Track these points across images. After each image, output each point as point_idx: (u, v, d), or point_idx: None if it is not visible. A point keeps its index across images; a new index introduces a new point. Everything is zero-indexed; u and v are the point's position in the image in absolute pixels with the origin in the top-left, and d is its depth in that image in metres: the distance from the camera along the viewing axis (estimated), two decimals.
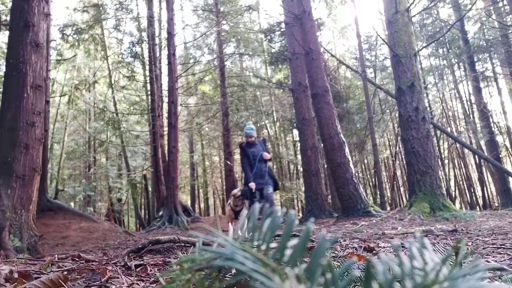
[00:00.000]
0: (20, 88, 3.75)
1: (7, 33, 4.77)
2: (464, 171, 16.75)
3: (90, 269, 1.20)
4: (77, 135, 19.12)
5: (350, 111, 16.22)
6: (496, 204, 14.33)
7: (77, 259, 1.79)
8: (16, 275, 1.08)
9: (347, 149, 7.81)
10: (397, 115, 10.91)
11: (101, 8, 13.01)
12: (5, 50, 4.62)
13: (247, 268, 0.32)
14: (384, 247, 1.71)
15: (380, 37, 8.69)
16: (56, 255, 2.06)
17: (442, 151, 16.32)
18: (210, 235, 0.40)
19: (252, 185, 5.45)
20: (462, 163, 16.77)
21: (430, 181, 5.88)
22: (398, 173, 18.08)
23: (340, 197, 7.58)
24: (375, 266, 0.32)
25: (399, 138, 14.06)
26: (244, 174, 5.77)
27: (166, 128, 11.67)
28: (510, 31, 11.83)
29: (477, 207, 14.88)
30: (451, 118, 17.37)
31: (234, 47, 16.81)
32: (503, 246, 1.57)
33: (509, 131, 15.73)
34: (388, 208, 12.23)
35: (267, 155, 5.65)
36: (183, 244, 2.17)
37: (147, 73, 13.93)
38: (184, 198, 21.88)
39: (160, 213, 10.06)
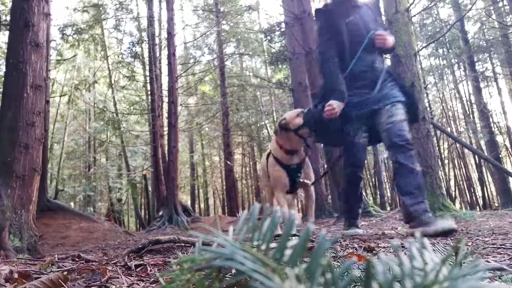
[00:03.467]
0: (20, 88, 3.75)
1: (7, 33, 4.77)
2: (464, 171, 16.74)
3: (90, 269, 1.20)
4: (77, 135, 19.11)
5: None
6: (496, 204, 14.33)
7: (77, 259, 1.79)
8: (16, 275, 1.08)
9: None
10: None
11: (101, 8, 13.02)
12: (5, 50, 4.62)
13: (247, 268, 0.32)
14: (384, 247, 1.71)
15: None
16: (56, 255, 2.07)
17: (442, 151, 16.32)
18: (210, 235, 0.40)
19: (334, 104, 2.40)
20: (462, 163, 16.76)
21: (430, 181, 5.87)
22: None
23: (340, 197, 7.58)
24: (375, 266, 0.32)
25: None
26: (323, 74, 2.60)
27: (166, 128, 11.67)
28: (510, 31, 11.82)
29: (477, 207, 14.87)
30: (451, 118, 17.36)
31: (234, 47, 16.82)
32: (503, 246, 1.57)
33: (509, 131, 15.72)
34: (388, 208, 12.22)
35: (386, 39, 2.49)
36: (183, 244, 2.17)
37: (147, 73, 13.92)
38: (184, 198, 21.88)
39: (160, 213, 10.06)
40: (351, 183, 2.75)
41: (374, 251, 1.58)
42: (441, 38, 13.91)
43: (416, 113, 2.68)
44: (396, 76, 2.69)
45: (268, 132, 19.25)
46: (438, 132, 14.62)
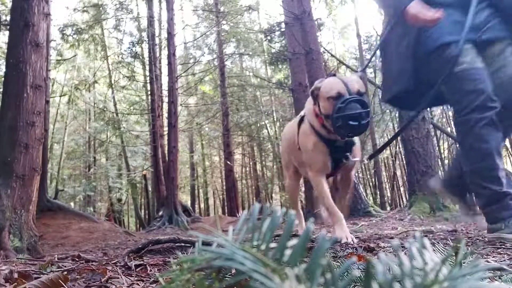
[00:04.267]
0: (20, 88, 3.75)
1: (7, 33, 4.77)
2: None
3: (90, 269, 1.20)
4: (77, 135, 19.12)
5: None
6: None
7: (77, 259, 1.79)
8: (16, 275, 1.08)
9: None
10: (397, 115, 10.91)
11: (101, 8, 13.02)
12: (5, 50, 4.62)
13: (247, 268, 0.32)
14: (384, 247, 1.71)
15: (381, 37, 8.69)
16: (56, 255, 2.07)
17: (442, 151, 16.32)
18: (210, 235, 0.40)
19: (413, 9, 1.65)
20: None
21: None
22: (398, 173, 18.07)
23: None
24: (375, 266, 0.32)
25: (399, 138, 14.06)
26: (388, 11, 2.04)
27: (166, 128, 11.67)
28: None
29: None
30: (451, 118, 17.37)
31: (234, 47, 16.82)
32: (503, 246, 1.57)
33: None
34: (388, 208, 12.23)
35: None
36: (183, 244, 2.17)
37: (147, 73, 13.93)
38: (184, 198, 21.88)
39: (160, 213, 10.06)
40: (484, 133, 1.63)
41: (374, 251, 1.58)
42: None
43: None
44: None
45: (268, 132, 19.25)
46: (438, 132, 14.62)
